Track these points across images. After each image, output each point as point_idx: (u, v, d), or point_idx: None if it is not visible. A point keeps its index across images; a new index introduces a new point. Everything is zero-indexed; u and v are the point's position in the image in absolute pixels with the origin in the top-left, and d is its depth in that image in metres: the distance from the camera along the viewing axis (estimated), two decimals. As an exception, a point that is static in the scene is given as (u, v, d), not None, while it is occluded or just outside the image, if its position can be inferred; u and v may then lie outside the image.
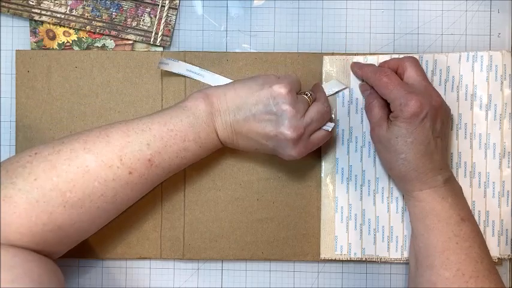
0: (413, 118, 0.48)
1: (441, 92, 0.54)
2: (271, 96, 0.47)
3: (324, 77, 0.55)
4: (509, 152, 0.54)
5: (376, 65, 0.54)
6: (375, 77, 0.51)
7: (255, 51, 0.56)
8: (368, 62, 0.54)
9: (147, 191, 0.49)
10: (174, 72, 0.54)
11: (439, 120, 0.49)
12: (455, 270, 0.47)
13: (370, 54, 0.55)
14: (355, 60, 0.54)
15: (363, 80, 0.54)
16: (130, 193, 0.46)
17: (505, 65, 0.54)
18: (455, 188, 0.51)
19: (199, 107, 0.48)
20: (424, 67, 0.54)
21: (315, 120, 0.49)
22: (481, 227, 0.54)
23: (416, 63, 0.51)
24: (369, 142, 0.54)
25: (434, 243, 0.49)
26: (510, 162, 0.54)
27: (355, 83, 0.54)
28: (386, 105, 0.51)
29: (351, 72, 0.54)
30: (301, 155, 0.49)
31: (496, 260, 0.54)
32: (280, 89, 0.47)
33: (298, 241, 0.55)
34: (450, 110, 0.52)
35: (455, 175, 0.54)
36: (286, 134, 0.47)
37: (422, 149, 0.48)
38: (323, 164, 0.55)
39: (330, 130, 0.50)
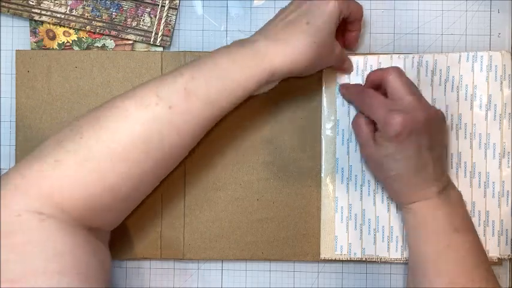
0: (398, 137, 0.46)
1: (441, 92, 0.54)
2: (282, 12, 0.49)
3: (324, 77, 0.55)
4: (509, 152, 0.54)
5: (372, 67, 0.54)
6: (358, 99, 0.51)
7: (255, 51, 0.56)
8: (355, 62, 0.54)
9: (195, 137, 0.46)
10: None
11: (427, 133, 0.47)
12: (448, 281, 0.47)
13: (370, 54, 0.55)
14: (354, 59, 0.54)
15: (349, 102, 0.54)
16: (177, 138, 0.43)
17: (504, 65, 0.54)
18: (452, 196, 0.50)
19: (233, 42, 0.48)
20: (424, 67, 0.54)
21: None
22: (481, 227, 0.54)
23: (398, 75, 0.48)
24: (369, 142, 0.54)
25: (428, 253, 0.48)
26: (510, 162, 0.54)
27: (355, 82, 0.54)
28: (373, 122, 0.50)
29: (351, 73, 0.54)
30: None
31: (496, 260, 0.54)
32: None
33: (298, 241, 0.55)
34: (443, 116, 0.50)
35: (455, 175, 0.54)
36: None
37: (413, 164, 0.48)
38: (323, 164, 0.55)
39: None
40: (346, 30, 0.53)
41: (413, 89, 0.49)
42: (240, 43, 0.47)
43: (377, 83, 0.50)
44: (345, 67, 0.54)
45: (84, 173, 0.41)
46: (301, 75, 0.49)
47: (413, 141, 0.47)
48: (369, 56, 0.54)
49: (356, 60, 0.54)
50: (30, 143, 0.55)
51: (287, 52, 0.45)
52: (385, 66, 0.54)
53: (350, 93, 0.53)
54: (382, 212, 0.54)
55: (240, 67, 0.45)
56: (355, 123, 0.51)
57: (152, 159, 0.43)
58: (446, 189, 0.50)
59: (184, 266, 0.56)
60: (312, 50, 0.46)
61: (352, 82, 0.54)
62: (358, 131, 0.51)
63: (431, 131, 0.48)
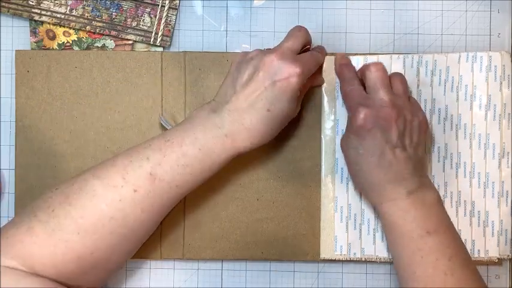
0: (360, 129, 0.48)
1: (441, 92, 0.54)
2: (238, 59, 0.50)
3: (324, 76, 0.55)
4: (508, 152, 0.54)
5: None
6: (342, 84, 0.52)
7: (255, 51, 0.56)
8: (355, 62, 0.54)
9: (162, 213, 0.48)
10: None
11: (396, 132, 0.47)
12: (423, 284, 0.46)
13: (370, 54, 0.55)
14: (354, 59, 0.54)
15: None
16: (141, 214, 0.46)
17: (504, 65, 0.54)
18: (427, 198, 0.49)
19: (195, 112, 0.49)
20: (423, 67, 0.54)
21: (291, 41, 0.49)
22: (481, 227, 0.54)
23: (377, 71, 0.49)
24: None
25: (401, 256, 0.48)
26: (509, 162, 0.54)
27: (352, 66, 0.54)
28: None
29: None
30: (301, 71, 0.47)
31: (496, 260, 0.54)
32: (239, 55, 0.50)
33: (298, 241, 0.55)
34: (424, 120, 0.50)
35: (454, 175, 0.54)
36: (265, 54, 0.47)
37: (374, 161, 0.48)
38: (323, 164, 0.55)
39: None
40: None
41: (391, 88, 0.50)
42: (207, 122, 0.47)
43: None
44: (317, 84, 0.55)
45: (53, 243, 0.43)
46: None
47: (376, 138, 0.47)
48: (369, 56, 0.54)
49: (356, 59, 0.54)
50: (30, 143, 0.55)
51: (251, 137, 0.48)
52: (384, 66, 0.54)
53: (339, 72, 0.53)
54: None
55: (206, 154, 0.47)
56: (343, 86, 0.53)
57: (118, 235, 0.45)
58: (419, 190, 0.48)
59: (184, 266, 0.56)
60: (275, 131, 0.49)
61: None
62: (351, 93, 0.51)
63: (404, 131, 0.48)
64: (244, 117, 0.47)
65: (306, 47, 0.52)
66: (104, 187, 0.45)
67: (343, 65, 0.53)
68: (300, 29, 0.50)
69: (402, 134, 0.48)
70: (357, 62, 0.54)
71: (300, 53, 0.50)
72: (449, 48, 0.56)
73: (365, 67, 0.50)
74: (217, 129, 0.47)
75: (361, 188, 0.52)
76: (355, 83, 0.51)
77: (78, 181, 0.46)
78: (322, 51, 0.53)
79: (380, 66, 0.50)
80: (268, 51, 0.49)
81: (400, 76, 0.51)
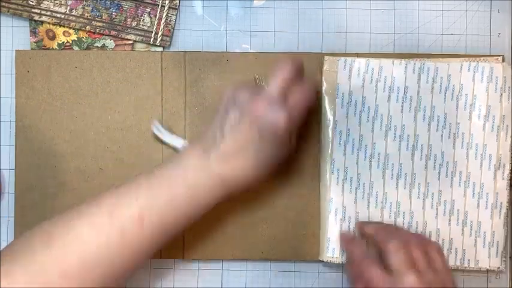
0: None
1: (441, 99, 0.54)
2: (227, 95, 0.48)
3: (324, 77, 0.55)
4: (504, 164, 0.54)
5: None
6: (355, 267, 0.49)
7: (255, 51, 0.56)
8: (356, 65, 0.53)
9: (150, 255, 0.46)
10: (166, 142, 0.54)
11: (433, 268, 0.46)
12: None
13: (372, 56, 0.55)
14: (356, 61, 0.54)
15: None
16: (128, 258, 0.44)
17: (505, 77, 0.54)
18: None
19: (186, 150, 0.48)
20: (425, 74, 0.54)
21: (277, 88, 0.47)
22: (472, 238, 0.54)
23: (397, 250, 0.46)
24: (365, 145, 0.54)
25: None
26: (505, 174, 0.54)
27: (355, 84, 0.54)
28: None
29: (352, 75, 0.54)
30: (288, 117, 0.45)
31: (485, 271, 0.54)
32: (227, 92, 0.48)
33: (298, 241, 0.55)
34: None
35: (449, 184, 0.54)
36: (252, 100, 0.45)
37: None
38: (322, 164, 0.55)
39: None
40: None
41: (416, 265, 0.46)
42: (196, 169, 0.46)
43: (371, 242, 0.50)
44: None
45: (35, 286, 0.41)
46: None
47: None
48: (371, 59, 0.54)
49: (358, 61, 0.54)
50: (30, 143, 0.55)
51: (242, 181, 0.47)
52: (386, 71, 0.54)
53: (351, 253, 0.51)
54: (375, 216, 0.54)
55: (197, 199, 0.46)
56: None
57: (105, 277, 0.43)
58: None
59: (184, 266, 0.56)
60: (265, 171, 0.48)
61: (353, 83, 0.54)
62: (370, 271, 0.47)
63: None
64: (234, 163, 0.46)
65: (299, 74, 0.49)
66: (90, 228, 0.43)
67: (349, 242, 0.52)
68: (286, 61, 0.48)
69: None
70: (359, 64, 0.54)
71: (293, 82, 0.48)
72: (449, 48, 0.56)
73: (382, 245, 0.47)
74: (207, 169, 0.46)
75: None
76: (374, 266, 0.47)
77: (62, 219, 0.44)
78: (313, 90, 0.50)
79: (400, 245, 0.47)
80: (255, 94, 0.46)
81: (436, 246, 0.49)
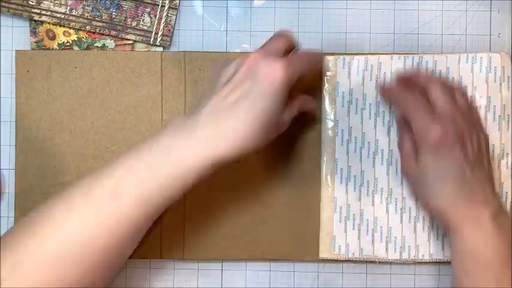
0: (439, 145, 0.44)
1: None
2: (220, 64, 0.46)
3: (324, 76, 0.55)
4: (507, 154, 0.54)
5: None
6: (400, 102, 0.49)
7: (255, 51, 0.56)
8: (355, 62, 0.54)
9: (134, 237, 0.42)
10: None
11: (470, 147, 0.45)
12: None
13: (371, 54, 0.55)
14: (355, 59, 0.54)
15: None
16: (107, 241, 0.41)
17: (503, 67, 0.54)
18: (504, 224, 0.45)
19: (171, 119, 0.46)
20: (423, 68, 0.54)
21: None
22: None
23: (440, 85, 0.46)
24: (368, 143, 0.54)
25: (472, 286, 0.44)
26: (509, 163, 0.54)
27: (355, 82, 0.54)
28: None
29: (351, 73, 0.54)
30: (286, 67, 0.42)
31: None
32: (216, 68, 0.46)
33: (298, 241, 0.55)
34: (487, 135, 0.49)
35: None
36: (248, 55, 0.43)
37: (458, 180, 0.44)
38: (323, 164, 0.55)
39: None
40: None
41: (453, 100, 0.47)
42: (178, 128, 0.42)
43: (414, 84, 0.49)
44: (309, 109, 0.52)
45: (15, 280, 0.39)
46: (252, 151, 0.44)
47: (456, 154, 0.44)
48: (370, 56, 0.54)
49: (357, 59, 0.54)
50: (30, 143, 0.55)
51: (229, 141, 0.42)
52: (385, 66, 0.54)
53: (391, 94, 0.51)
54: (381, 212, 0.54)
55: (177, 162, 0.41)
56: (400, 139, 0.50)
57: (85, 264, 0.40)
58: (501, 214, 0.45)
59: (184, 266, 0.56)
60: (256, 136, 0.42)
61: (353, 82, 0.54)
62: (403, 145, 0.50)
63: (474, 145, 0.46)
64: (221, 120, 0.42)
65: (293, 50, 0.48)
66: (67, 211, 0.41)
67: (387, 87, 0.52)
68: (282, 32, 0.47)
69: (478, 149, 0.46)
70: (358, 62, 0.54)
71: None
72: (449, 48, 0.56)
73: (427, 81, 0.47)
74: (189, 134, 0.42)
75: (437, 212, 0.46)
76: (416, 96, 0.47)
77: (44, 206, 0.42)
78: (316, 53, 0.50)
79: (439, 80, 0.47)
80: (247, 56, 0.44)
81: (461, 89, 0.49)
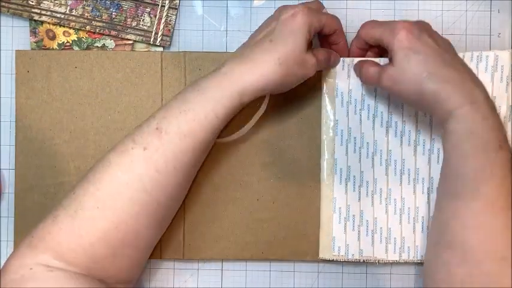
0: (409, 37, 0.46)
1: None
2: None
3: (324, 76, 0.55)
4: None
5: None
6: (368, 32, 0.51)
7: (255, 51, 0.56)
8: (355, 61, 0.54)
9: (179, 174, 0.46)
10: None
11: (437, 36, 0.48)
12: (485, 202, 0.43)
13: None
14: (355, 60, 0.54)
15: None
16: (156, 174, 0.45)
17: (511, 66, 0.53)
18: (495, 107, 0.46)
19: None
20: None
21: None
22: None
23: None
24: (367, 143, 0.54)
25: (467, 171, 0.44)
26: None
27: (354, 83, 0.54)
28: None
29: (350, 74, 0.54)
30: (308, 8, 0.47)
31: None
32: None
33: (298, 241, 0.55)
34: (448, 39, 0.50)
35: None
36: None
37: (440, 61, 0.45)
38: (322, 164, 0.55)
39: None
40: (331, 43, 0.52)
41: None
42: (209, 73, 0.47)
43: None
44: (331, 65, 0.53)
45: (77, 224, 0.44)
46: (278, 92, 0.49)
47: (427, 41, 0.46)
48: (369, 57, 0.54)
49: (356, 60, 0.54)
50: (30, 143, 0.55)
51: (253, 71, 0.46)
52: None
53: (356, 40, 0.53)
54: (380, 213, 0.54)
55: (206, 95, 0.45)
56: (360, 68, 0.51)
57: (138, 201, 0.45)
58: (489, 98, 0.45)
59: (184, 266, 0.56)
60: (277, 67, 0.46)
61: (352, 82, 0.54)
62: (367, 70, 0.50)
63: (439, 38, 0.48)
64: (245, 53, 0.47)
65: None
66: (117, 155, 0.45)
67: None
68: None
69: (439, 40, 0.48)
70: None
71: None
72: (449, 48, 0.56)
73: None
74: (216, 71, 0.47)
75: (433, 99, 0.45)
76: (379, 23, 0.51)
77: (99, 160, 0.46)
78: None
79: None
80: None
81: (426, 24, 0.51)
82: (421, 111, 0.53)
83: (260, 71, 0.46)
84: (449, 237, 0.45)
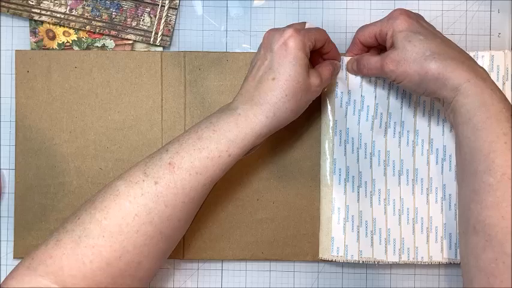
0: (407, 20, 0.48)
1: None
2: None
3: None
4: None
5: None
6: (358, 35, 0.52)
7: (255, 51, 0.56)
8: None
9: (188, 209, 0.46)
10: None
11: (429, 25, 0.50)
12: (500, 175, 0.43)
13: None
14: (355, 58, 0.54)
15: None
16: (165, 209, 0.45)
17: (507, 65, 0.53)
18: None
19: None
20: None
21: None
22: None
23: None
24: (365, 143, 0.54)
25: (480, 145, 0.44)
26: None
27: (353, 84, 0.54)
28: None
29: (350, 75, 0.54)
30: (297, 31, 0.47)
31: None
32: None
33: (298, 241, 0.55)
34: None
35: (453, 178, 0.54)
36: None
37: (440, 41, 0.47)
38: (322, 164, 0.55)
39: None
40: (323, 53, 0.52)
41: None
42: (221, 111, 0.48)
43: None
44: (334, 73, 0.53)
45: (80, 251, 0.43)
46: (293, 120, 0.49)
47: (423, 24, 0.48)
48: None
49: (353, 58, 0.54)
50: (30, 143, 0.55)
51: (264, 112, 0.46)
52: None
53: (352, 47, 0.54)
54: (379, 214, 0.54)
55: (221, 136, 0.46)
56: (362, 64, 0.52)
57: (145, 234, 0.44)
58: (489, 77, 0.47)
59: (184, 266, 0.56)
60: (287, 104, 0.47)
61: (351, 82, 0.54)
62: (369, 61, 0.50)
63: (430, 25, 0.50)
64: (254, 94, 0.47)
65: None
66: (127, 185, 0.45)
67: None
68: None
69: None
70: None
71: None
72: (449, 48, 0.56)
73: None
74: (230, 111, 0.47)
75: (440, 75, 0.46)
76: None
77: (105, 187, 0.46)
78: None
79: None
80: None
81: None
82: (424, 96, 0.53)
83: (273, 112, 0.46)
84: (473, 221, 0.45)
